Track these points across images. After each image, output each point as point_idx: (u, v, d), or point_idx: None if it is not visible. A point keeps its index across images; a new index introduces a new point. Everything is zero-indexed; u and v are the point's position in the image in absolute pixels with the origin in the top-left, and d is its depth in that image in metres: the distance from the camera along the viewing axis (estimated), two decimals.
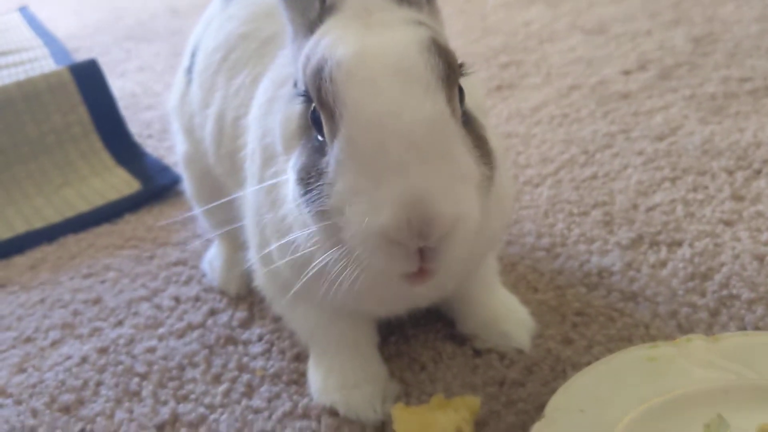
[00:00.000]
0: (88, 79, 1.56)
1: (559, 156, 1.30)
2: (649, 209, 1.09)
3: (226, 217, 0.94)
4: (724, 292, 0.88)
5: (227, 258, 1.04)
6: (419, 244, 0.53)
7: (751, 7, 1.94)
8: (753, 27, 1.79)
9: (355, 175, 0.54)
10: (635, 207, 1.10)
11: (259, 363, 0.88)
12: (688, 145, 1.26)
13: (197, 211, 1.04)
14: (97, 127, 1.55)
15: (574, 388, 0.72)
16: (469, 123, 0.60)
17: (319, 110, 0.58)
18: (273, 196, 0.69)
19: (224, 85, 0.85)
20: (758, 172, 1.15)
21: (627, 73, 1.65)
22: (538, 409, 0.70)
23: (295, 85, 0.65)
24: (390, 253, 0.54)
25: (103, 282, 1.12)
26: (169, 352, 0.92)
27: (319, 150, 0.59)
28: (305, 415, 0.79)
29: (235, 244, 0.96)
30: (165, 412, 0.82)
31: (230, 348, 0.92)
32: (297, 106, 0.64)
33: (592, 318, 0.87)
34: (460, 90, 0.59)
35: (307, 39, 0.63)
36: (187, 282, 1.08)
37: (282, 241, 0.66)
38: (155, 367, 0.90)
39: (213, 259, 1.08)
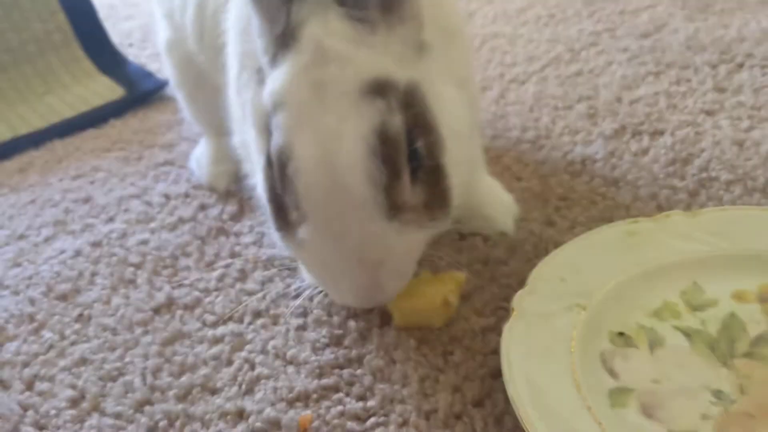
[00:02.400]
0: None
1: (545, 54, 1.30)
2: (633, 102, 1.10)
3: (211, 107, 0.94)
4: (704, 175, 0.90)
5: (214, 154, 1.05)
6: None
7: None
8: None
9: (318, 261, 0.65)
10: (619, 100, 1.11)
11: (251, 251, 0.90)
12: (673, 41, 1.27)
13: (181, 97, 1.04)
14: (78, 34, 1.52)
15: (556, 259, 0.75)
16: (420, 170, 0.62)
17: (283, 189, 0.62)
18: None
19: None
20: (741, 65, 1.16)
21: None
22: (521, 284, 0.73)
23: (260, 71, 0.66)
24: None
25: (92, 182, 1.13)
26: (162, 244, 0.94)
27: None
28: (298, 296, 0.81)
29: (222, 137, 0.97)
30: (160, 297, 0.85)
31: (222, 239, 0.94)
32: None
33: (574, 202, 0.89)
34: (415, 150, 0.61)
35: (272, 64, 0.63)
36: (176, 180, 1.09)
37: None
38: (149, 257, 0.92)
39: (200, 157, 1.09)
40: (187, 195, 1.05)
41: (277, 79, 0.61)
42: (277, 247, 0.76)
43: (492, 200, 0.88)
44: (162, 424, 0.68)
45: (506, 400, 0.63)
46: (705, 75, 1.14)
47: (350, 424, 0.65)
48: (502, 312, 0.74)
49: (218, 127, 0.97)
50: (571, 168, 0.96)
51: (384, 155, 0.58)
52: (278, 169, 0.61)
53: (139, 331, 0.80)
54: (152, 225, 0.99)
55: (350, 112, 0.59)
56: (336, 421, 0.65)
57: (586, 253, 0.75)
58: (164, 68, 1.06)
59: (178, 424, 0.68)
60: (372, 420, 0.65)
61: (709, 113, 1.04)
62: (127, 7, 1.97)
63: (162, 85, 1.39)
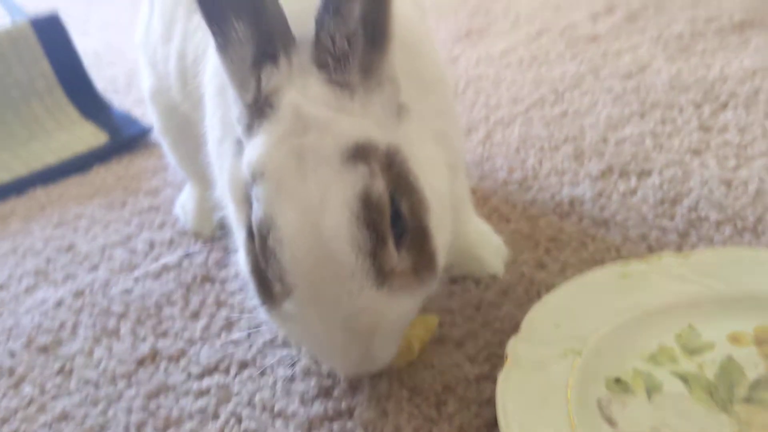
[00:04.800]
0: (50, 32, 1.51)
1: (528, 96, 1.31)
2: (619, 142, 1.10)
3: (195, 156, 0.93)
4: (693, 215, 0.90)
5: (199, 200, 1.04)
6: None
7: None
8: None
9: (307, 333, 0.62)
10: (605, 140, 1.11)
11: (238, 298, 0.88)
12: (656, 81, 1.28)
13: (165, 145, 1.03)
14: (61, 81, 1.52)
15: (549, 304, 0.73)
16: (405, 234, 0.60)
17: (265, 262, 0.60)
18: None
19: (184, 17, 0.83)
20: (725, 105, 1.17)
21: (595, 16, 1.65)
22: (515, 328, 0.71)
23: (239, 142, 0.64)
24: None
25: (75, 230, 1.11)
26: (146, 292, 0.92)
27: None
28: (286, 344, 0.79)
29: (207, 183, 0.96)
30: (144, 348, 0.82)
31: (207, 286, 0.92)
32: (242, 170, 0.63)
33: (564, 243, 0.88)
34: (399, 214, 0.60)
35: (248, 133, 0.61)
36: (160, 227, 1.08)
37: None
38: (132, 307, 0.90)
39: (185, 203, 1.07)
40: (171, 241, 1.03)
41: (255, 148, 0.60)
42: (263, 319, 0.73)
43: (482, 242, 0.87)
44: None
45: None
46: (690, 114, 1.14)
47: None
48: (496, 359, 0.73)
49: (203, 176, 0.96)
50: (560, 209, 0.96)
51: (368, 221, 0.57)
52: (260, 241, 0.59)
53: (122, 384, 0.78)
54: (136, 273, 0.97)
55: (333, 180, 0.57)
56: None
57: (579, 297, 0.74)
58: (149, 114, 1.04)
59: None
60: None
61: (696, 152, 1.04)
62: (111, 53, 1.98)
63: (146, 131, 1.38)
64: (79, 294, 0.94)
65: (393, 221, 0.59)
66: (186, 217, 1.06)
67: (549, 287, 0.81)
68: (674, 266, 0.76)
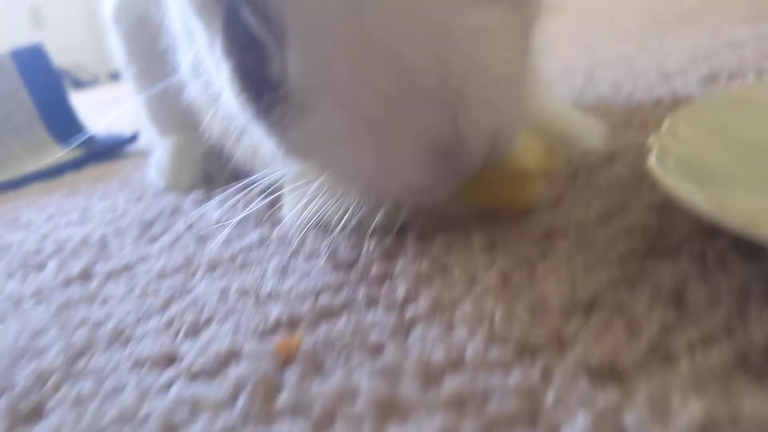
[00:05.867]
0: (31, 64, 1.35)
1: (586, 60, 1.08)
2: (716, 58, 0.85)
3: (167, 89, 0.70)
4: None
5: (175, 149, 0.80)
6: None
7: None
8: None
9: (339, 118, 0.36)
10: (693, 60, 0.87)
11: (216, 214, 0.61)
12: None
13: (133, 82, 0.79)
14: (43, 115, 1.33)
15: (697, 109, 0.46)
16: None
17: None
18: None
19: None
20: None
21: None
22: (636, 184, 0.44)
23: None
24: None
25: (26, 208, 0.86)
26: (90, 233, 0.65)
27: (255, 49, 0.38)
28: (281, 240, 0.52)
29: (183, 132, 0.75)
30: (71, 270, 0.55)
31: (177, 216, 0.65)
32: None
33: None
34: None
35: None
36: (128, 195, 0.82)
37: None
38: (68, 245, 0.63)
39: (159, 159, 0.82)
40: (140, 198, 0.77)
41: None
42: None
43: (567, 118, 0.60)
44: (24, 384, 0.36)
45: (674, 279, 0.33)
46: None
47: (375, 337, 0.33)
48: (615, 208, 0.44)
49: (178, 118, 0.74)
50: (661, 105, 0.70)
51: None
52: None
53: (28, 304, 0.50)
54: (87, 225, 0.70)
55: None
56: (349, 336, 0.34)
57: (738, 107, 0.46)
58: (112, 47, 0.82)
59: (51, 382, 0.36)
60: (417, 332, 0.33)
61: None
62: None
63: (129, 139, 1.17)
64: (3, 249, 0.68)
65: None
66: (160, 170, 0.80)
67: None
68: None
